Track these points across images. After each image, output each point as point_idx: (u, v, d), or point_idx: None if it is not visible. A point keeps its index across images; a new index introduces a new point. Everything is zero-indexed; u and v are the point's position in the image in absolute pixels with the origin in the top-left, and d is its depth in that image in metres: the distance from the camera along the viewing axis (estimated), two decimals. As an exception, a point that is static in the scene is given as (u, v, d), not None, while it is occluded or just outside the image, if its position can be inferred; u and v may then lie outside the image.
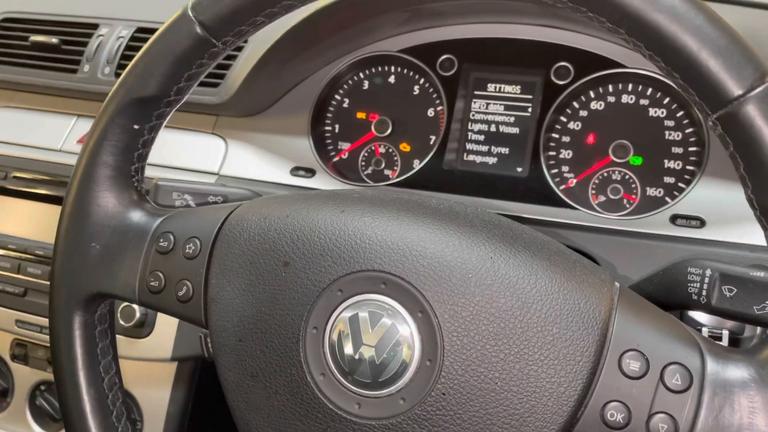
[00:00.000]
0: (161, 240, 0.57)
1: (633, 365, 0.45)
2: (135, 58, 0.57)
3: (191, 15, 0.54)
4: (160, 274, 0.57)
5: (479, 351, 0.47)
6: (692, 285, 0.59)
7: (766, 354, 0.43)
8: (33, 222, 1.00)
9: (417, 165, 0.92)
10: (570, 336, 0.46)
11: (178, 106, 0.59)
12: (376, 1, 0.80)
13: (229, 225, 0.56)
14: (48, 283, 0.96)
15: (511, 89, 0.90)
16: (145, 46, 0.57)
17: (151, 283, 0.57)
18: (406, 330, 0.49)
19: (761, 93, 0.42)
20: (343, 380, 0.50)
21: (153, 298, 0.57)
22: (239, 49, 0.92)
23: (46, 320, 0.96)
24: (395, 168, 0.95)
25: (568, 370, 0.46)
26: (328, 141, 0.98)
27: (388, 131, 0.95)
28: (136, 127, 0.58)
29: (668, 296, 0.61)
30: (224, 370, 0.54)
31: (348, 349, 0.49)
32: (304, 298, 0.51)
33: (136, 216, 0.59)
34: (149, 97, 0.57)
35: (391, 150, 0.95)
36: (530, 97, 0.89)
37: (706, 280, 0.58)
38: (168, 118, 0.60)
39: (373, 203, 0.54)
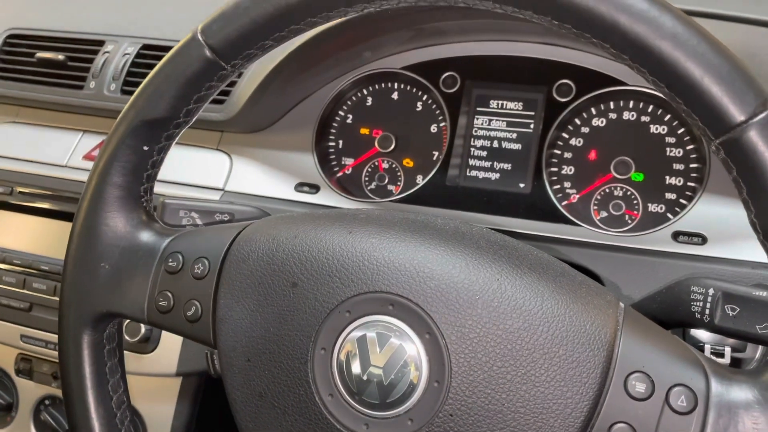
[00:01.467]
0: (170, 260, 0.58)
1: (639, 387, 0.46)
2: (145, 81, 0.58)
3: (201, 39, 0.55)
4: (169, 294, 0.57)
5: (486, 372, 0.48)
6: (695, 304, 0.59)
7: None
8: (38, 237, 1.01)
9: (420, 181, 0.93)
10: (576, 357, 0.47)
11: (187, 127, 0.60)
12: (380, 22, 0.81)
13: (237, 245, 0.56)
14: (53, 298, 0.97)
15: (514, 106, 0.91)
16: (155, 68, 0.58)
17: (160, 303, 0.57)
18: (414, 351, 0.49)
19: (764, 119, 0.42)
20: (351, 401, 0.50)
21: (162, 318, 0.58)
22: (244, 66, 0.93)
23: (51, 335, 0.97)
24: (398, 183, 0.95)
25: (575, 392, 0.46)
26: (332, 157, 0.99)
27: (392, 147, 0.96)
28: (145, 148, 0.58)
29: (671, 314, 0.62)
30: (232, 389, 0.54)
31: (356, 369, 0.50)
32: (313, 319, 0.51)
33: (145, 236, 0.59)
34: (159, 119, 0.57)
35: (394, 166, 0.96)
36: (532, 113, 0.90)
37: (709, 299, 0.59)
38: (177, 139, 0.61)
39: (381, 224, 0.54)
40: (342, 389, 0.50)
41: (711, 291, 0.59)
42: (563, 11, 0.46)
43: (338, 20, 0.79)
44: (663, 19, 0.44)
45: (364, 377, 0.50)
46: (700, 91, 0.43)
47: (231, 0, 0.55)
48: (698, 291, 0.60)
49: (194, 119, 0.60)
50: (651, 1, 0.44)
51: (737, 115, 0.43)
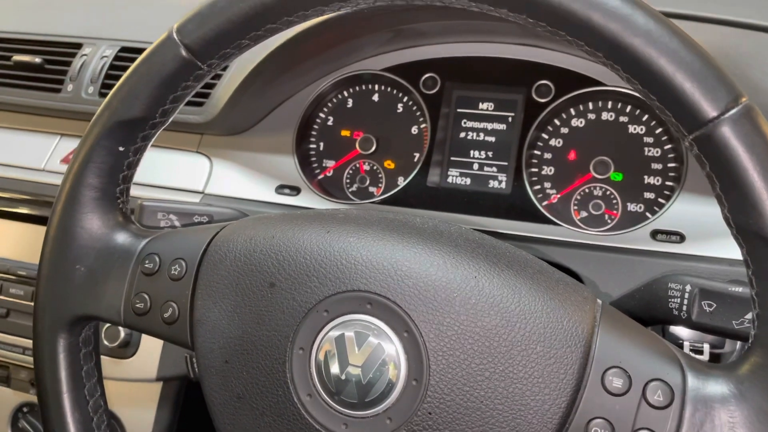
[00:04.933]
0: (147, 262, 0.57)
1: (616, 382, 0.46)
2: (120, 81, 0.57)
3: (176, 38, 0.55)
4: (146, 296, 0.57)
5: (464, 370, 0.48)
6: (673, 300, 0.60)
7: (744, 369, 0.44)
8: (16, 242, 1.00)
9: (401, 182, 0.93)
10: (554, 354, 0.47)
11: (164, 127, 0.59)
12: (358, 23, 0.81)
13: (214, 246, 0.56)
14: (30, 303, 0.96)
15: (494, 107, 0.91)
16: (131, 68, 0.57)
17: (137, 305, 0.57)
18: (392, 350, 0.49)
19: (735, 115, 0.43)
20: (329, 400, 0.50)
21: (138, 320, 0.57)
22: (224, 68, 0.92)
23: (29, 341, 0.95)
24: (380, 185, 0.95)
25: (552, 388, 0.47)
26: (313, 159, 0.98)
27: (373, 149, 0.95)
28: (121, 149, 0.58)
29: (649, 311, 0.62)
30: (210, 391, 0.54)
31: (334, 369, 0.50)
32: (290, 319, 0.51)
33: (122, 238, 0.59)
34: (134, 119, 0.57)
35: (375, 167, 0.96)
36: (512, 114, 0.90)
37: (686, 295, 0.59)
38: (153, 139, 0.60)
39: (359, 223, 0.54)
40: (320, 389, 0.50)
41: (688, 288, 0.59)
42: (538, 9, 0.47)
43: (315, 20, 0.79)
44: (636, 16, 0.44)
45: (343, 377, 0.49)
46: (672, 88, 0.44)
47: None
48: (676, 288, 0.60)
49: (171, 119, 0.59)
50: None
51: (709, 110, 0.43)
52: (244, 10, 0.53)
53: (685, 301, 0.59)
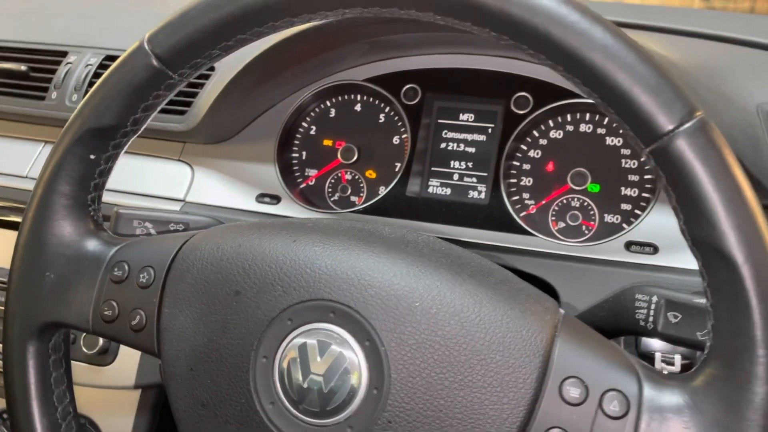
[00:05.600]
0: (116, 269, 0.58)
1: (573, 392, 0.46)
2: (92, 89, 0.58)
3: (147, 48, 0.55)
4: (114, 303, 0.57)
5: (425, 379, 0.48)
6: (639, 311, 0.60)
7: (699, 380, 0.45)
8: (-2, 248, 1.00)
9: (382, 192, 0.94)
10: (512, 363, 0.47)
11: (135, 136, 0.60)
12: (333, 34, 0.82)
13: (183, 254, 0.56)
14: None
15: (473, 118, 0.92)
16: (102, 77, 0.58)
17: (105, 312, 0.57)
18: (354, 358, 0.49)
19: (690, 128, 0.44)
20: (292, 409, 0.50)
21: (106, 327, 0.57)
22: (206, 77, 0.93)
23: None
24: (361, 194, 0.96)
25: (511, 397, 0.47)
26: (296, 168, 0.99)
27: (354, 158, 0.96)
28: (92, 157, 0.58)
29: (617, 322, 0.63)
30: (175, 398, 0.54)
31: (297, 377, 0.50)
32: (255, 327, 0.52)
33: (92, 245, 0.59)
34: (105, 127, 0.57)
35: (357, 177, 0.97)
36: (492, 125, 0.91)
37: (653, 306, 0.60)
38: (125, 148, 0.61)
39: (325, 233, 0.55)
40: (283, 397, 0.50)
41: (654, 299, 0.60)
42: (501, 23, 0.47)
43: (291, 31, 0.80)
44: (594, 31, 0.45)
45: (305, 385, 0.50)
46: (629, 101, 0.44)
47: (178, 9, 0.56)
48: (642, 299, 0.61)
49: (142, 128, 0.60)
50: (582, 13, 0.46)
51: (665, 124, 0.44)
52: (215, 20, 0.53)
53: (652, 312, 0.59)
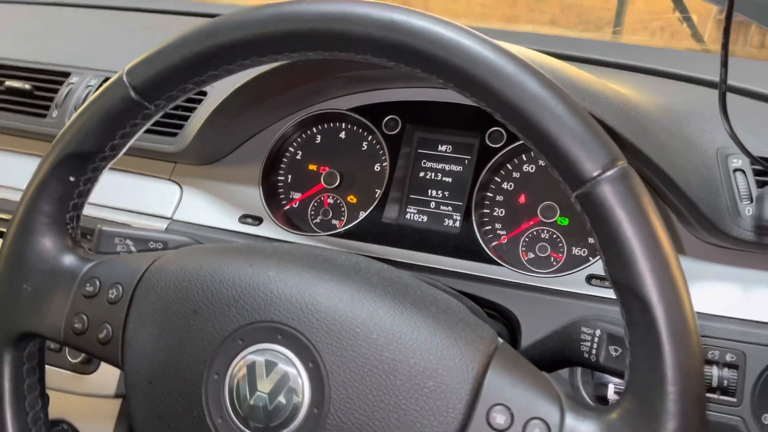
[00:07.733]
0: (88, 284, 0.61)
1: (499, 419, 0.49)
2: (74, 116, 0.62)
3: (125, 80, 0.59)
4: (84, 317, 0.61)
5: (362, 401, 0.51)
6: (584, 344, 0.63)
7: (615, 414, 0.47)
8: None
9: (362, 216, 0.97)
10: (444, 389, 0.50)
11: (114, 160, 0.64)
12: (309, 70, 0.86)
13: (149, 273, 0.60)
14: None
15: (451, 149, 0.95)
16: (84, 105, 0.62)
17: (75, 325, 0.61)
18: (298, 379, 0.53)
19: (612, 175, 0.47)
20: (239, 424, 0.53)
21: (76, 339, 0.61)
22: (198, 101, 0.98)
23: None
24: (342, 218, 0.99)
25: (441, 421, 0.50)
26: (281, 190, 1.03)
27: (336, 183, 1.00)
28: (72, 179, 0.62)
29: (564, 353, 0.65)
30: (134, 409, 0.57)
31: (245, 394, 0.53)
32: (209, 345, 0.55)
33: (68, 261, 0.63)
34: (85, 153, 0.62)
35: (338, 201, 1.00)
36: (468, 157, 0.94)
37: (596, 339, 0.62)
38: (104, 171, 0.65)
39: (282, 258, 0.58)
40: (231, 413, 0.54)
41: (598, 332, 0.62)
42: (446, 71, 0.51)
43: (266, 67, 0.84)
44: (528, 83, 0.49)
45: (252, 402, 0.53)
46: (558, 149, 0.48)
47: (156, 45, 0.60)
48: (587, 332, 0.63)
49: (121, 153, 0.64)
50: (518, 65, 0.49)
51: (590, 170, 0.47)
52: (188, 57, 0.58)
53: (595, 345, 0.62)
